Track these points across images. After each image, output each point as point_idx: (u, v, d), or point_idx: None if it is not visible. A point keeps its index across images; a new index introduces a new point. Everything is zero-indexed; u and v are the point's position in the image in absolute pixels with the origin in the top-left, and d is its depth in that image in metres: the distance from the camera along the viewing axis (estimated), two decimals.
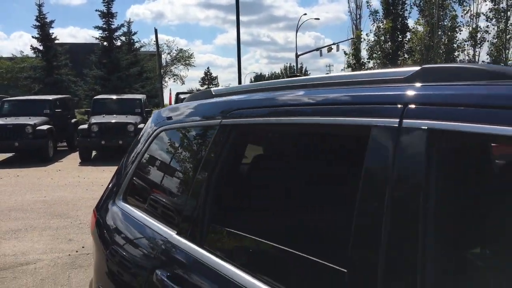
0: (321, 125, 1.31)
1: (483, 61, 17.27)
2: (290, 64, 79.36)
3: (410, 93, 1.10)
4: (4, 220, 6.89)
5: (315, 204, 1.36)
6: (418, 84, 1.14)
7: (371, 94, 1.21)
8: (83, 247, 5.61)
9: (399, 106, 1.07)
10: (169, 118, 2.14)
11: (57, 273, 4.78)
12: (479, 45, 17.03)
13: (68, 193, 8.93)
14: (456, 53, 16.57)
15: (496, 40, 16.77)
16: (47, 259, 5.20)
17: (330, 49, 39.66)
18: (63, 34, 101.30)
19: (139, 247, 1.87)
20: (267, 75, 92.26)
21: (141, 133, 2.37)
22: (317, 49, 43.74)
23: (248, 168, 1.84)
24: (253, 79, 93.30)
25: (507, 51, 16.68)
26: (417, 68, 1.17)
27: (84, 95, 22.06)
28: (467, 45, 16.89)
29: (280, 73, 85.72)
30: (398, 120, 1.04)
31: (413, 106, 1.05)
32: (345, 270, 1.05)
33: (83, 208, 7.64)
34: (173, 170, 2.02)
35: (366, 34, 19.78)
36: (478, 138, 0.93)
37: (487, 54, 17.07)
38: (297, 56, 44.39)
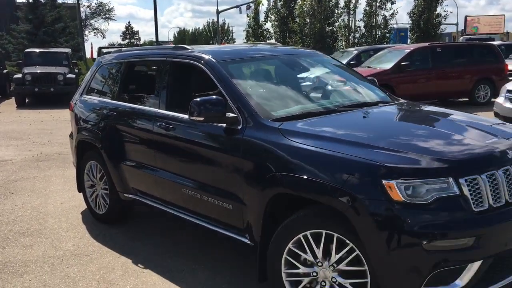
0: (153, 61, 4.36)
1: (356, 27, 21.12)
2: (213, 19, 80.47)
3: (168, 51, 4.10)
4: None
5: (154, 88, 4.35)
6: (172, 48, 4.16)
7: (164, 51, 4.22)
8: (41, 152, 8.33)
9: (166, 54, 4.08)
10: (102, 62, 5.06)
11: (29, 163, 7.55)
12: (352, 13, 20.76)
13: (15, 126, 11.39)
14: (331, 19, 20.18)
15: (368, 8, 20.51)
16: (19, 158, 7.92)
17: (249, 7, 42.12)
18: None
19: (94, 107, 4.83)
20: (191, 31, 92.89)
21: (90, 69, 5.29)
22: (236, 7, 45.92)
23: (132, 78, 4.89)
24: (176, 34, 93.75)
25: (376, 17, 20.49)
26: (173, 45, 4.21)
27: (13, 48, 23.59)
28: (343, 12, 20.56)
29: (203, 29, 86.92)
30: (165, 58, 4.05)
31: (168, 54, 4.08)
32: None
33: (33, 134, 10.25)
34: (104, 80, 4.95)
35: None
36: (171, 64, 3.99)
37: (359, 20, 20.90)
38: (218, 12, 46.37)
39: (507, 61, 13.54)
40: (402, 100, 4.02)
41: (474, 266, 2.50)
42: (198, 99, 3.27)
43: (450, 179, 2.50)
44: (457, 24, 47.27)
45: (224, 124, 3.31)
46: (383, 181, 2.49)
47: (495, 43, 16.54)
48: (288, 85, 3.90)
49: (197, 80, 4.00)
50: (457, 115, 3.52)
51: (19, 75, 15.59)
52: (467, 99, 13.22)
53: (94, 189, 4.87)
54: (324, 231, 2.72)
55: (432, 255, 2.43)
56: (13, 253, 4.13)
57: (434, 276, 2.46)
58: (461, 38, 25.48)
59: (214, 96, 3.29)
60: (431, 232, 2.43)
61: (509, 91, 8.07)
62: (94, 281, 3.59)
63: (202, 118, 3.25)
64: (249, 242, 3.21)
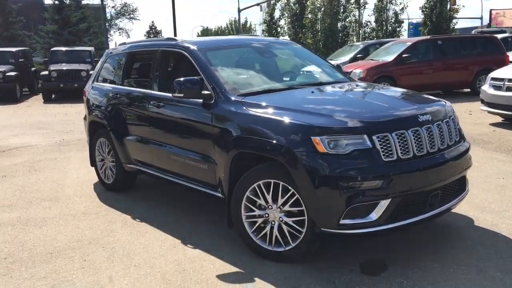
0: (149, 51, 5.13)
1: (366, 21, 21.60)
2: (235, 18, 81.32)
3: (161, 42, 4.90)
4: (2, 131, 10.38)
5: (149, 73, 5.12)
6: (165, 40, 4.95)
7: (158, 42, 4.99)
8: (63, 139, 9.25)
9: (160, 45, 4.87)
10: (111, 52, 5.86)
11: (52, 148, 8.46)
12: (363, 7, 21.23)
13: (41, 118, 12.40)
14: (343, 15, 20.71)
15: (379, 2, 20.94)
16: (43, 144, 8.84)
17: (269, 4, 42.84)
18: None
19: (103, 92, 5.63)
20: (214, 29, 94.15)
21: (100, 59, 6.11)
22: (257, 4, 46.74)
23: (133, 66, 5.66)
24: (200, 33, 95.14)
25: (387, 12, 20.94)
26: (166, 38, 4.98)
27: (40, 47, 25.07)
28: (353, 7, 21.06)
29: (226, 27, 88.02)
30: (158, 48, 4.80)
31: (162, 45, 4.84)
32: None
33: (57, 124, 11.22)
34: (111, 69, 5.75)
35: None
36: (164, 52, 4.76)
37: (369, 15, 21.39)
38: (239, 10, 47.24)
39: (510, 53, 13.86)
40: (357, 81, 4.69)
41: (384, 203, 3.17)
42: (180, 79, 4.02)
43: (365, 136, 3.18)
44: (481, 18, 46.80)
45: (201, 100, 4.05)
46: (312, 138, 3.19)
47: (500, 35, 16.80)
48: (256, 68, 4.63)
49: (184, 65, 4.74)
50: (392, 90, 4.20)
51: (46, 72, 16.69)
52: (469, 90, 13.63)
53: (103, 163, 5.68)
54: (272, 181, 3.43)
55: (348, 193, 3.11)
56: (35, 213, 4.97)
57: (352, 210, 3.14)
58: (473, 31, 25.61)
59: (193, 77, 4.04)
60: (348, 176, 3.12)
61: (493, 78, 8.57)
62: (99, 230, 4.39)
63: (182, 95, 4.00)
64: (220, 195, 3.94)
